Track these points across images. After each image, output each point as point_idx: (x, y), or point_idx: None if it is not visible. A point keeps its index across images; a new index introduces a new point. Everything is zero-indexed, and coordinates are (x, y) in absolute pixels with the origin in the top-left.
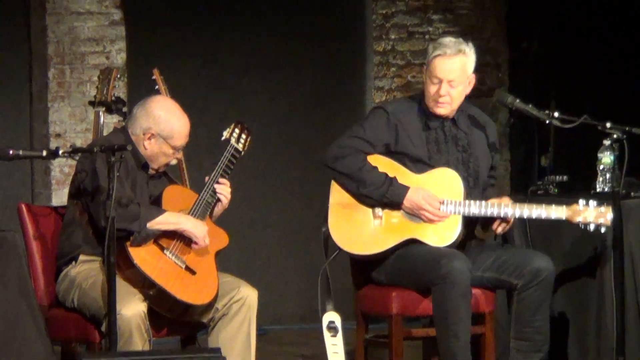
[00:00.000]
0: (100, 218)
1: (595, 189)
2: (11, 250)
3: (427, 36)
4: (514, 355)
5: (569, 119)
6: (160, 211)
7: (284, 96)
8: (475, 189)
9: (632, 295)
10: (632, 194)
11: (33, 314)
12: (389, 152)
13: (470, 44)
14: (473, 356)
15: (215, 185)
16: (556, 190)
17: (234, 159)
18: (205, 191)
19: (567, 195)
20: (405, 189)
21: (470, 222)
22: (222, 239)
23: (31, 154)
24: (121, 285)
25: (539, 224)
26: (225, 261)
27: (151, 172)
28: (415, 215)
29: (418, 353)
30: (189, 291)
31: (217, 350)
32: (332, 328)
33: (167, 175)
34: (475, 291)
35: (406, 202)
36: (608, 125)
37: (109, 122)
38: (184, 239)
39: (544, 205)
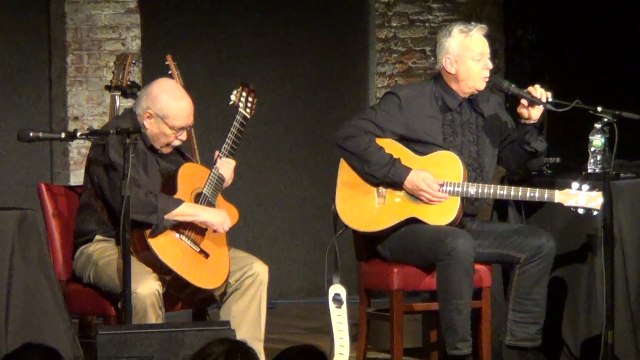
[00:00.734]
0: (115, 199)
1: (586, 170)
2: (32, 228)
3: (427, 24)
4: (511, 327)
5: (562, 103)
6: (178, 202)
7: (292, 80)
8: (478, 170)
9: (621, 272)
10: (621, 175)
11: (52, 289)
12: (400, 138)
13: None
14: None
15: (218, 164)
16: (549, 171)
17: (243, 128)
18: (215, 167)
19: (559, 176)
20: (407, 170)
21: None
22: (233, 216)
23: (50, 136)
24: (136, 265)
25: (533, 205)
26: (235, 238)
27: (160, 152)
28: (415, 196)
29: (418, 326)
30: (202, 275)
31: (227, 323)
32: (337, 300)
33: (181, 152)
34: (477, 267)
35: (407, 183)
36: (599, 109)
37: (125, 105)
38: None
39: (537, 189)
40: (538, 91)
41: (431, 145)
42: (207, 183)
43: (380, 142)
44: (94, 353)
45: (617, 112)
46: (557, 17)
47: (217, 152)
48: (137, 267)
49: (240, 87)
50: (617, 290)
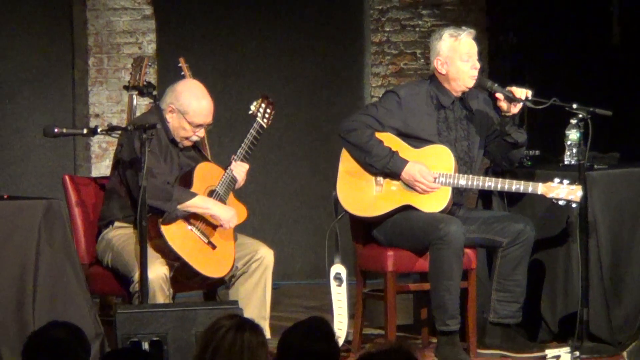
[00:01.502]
0: (135, 187)
1: (563, 161)
2: (57, 216)
3: (417, 29)
4: (495, 306)
5: (541, 100)
6: (192, 194)
7: (294, 80)
8: (468, 163)
9: (595, 255)
10: (595, 166)
11: (75, 271)
12: (398, 133)
13: None
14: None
15: (232, 166)
16: (529, 163)
17: (259, 136)
18: (229, 169)
19: (539, 167)
20: (405, 162)
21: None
22: (241, 214)
23: (73, 131)
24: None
25: (515, 195)
26: (244, 224)
27: (180, 145)
28: (410, 186)
29: (409, 305)
30: (208, 265)
31: (235, 302)
32: (338, 278)
33: (199, 150)
34: (465, 250)
35: (404, 174)
36: (574, 106)
37: (141, 103)
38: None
39: (522, 181)
40: (518, 91)
41: (426, 140)
42: (221, 182)
43: (379, 135)
44: (113, 330)
45: (590, 109)
46: (535, 23)
47: (232, 156)
48: (148, 252)
49: (260, 99)
50: (591, 271)
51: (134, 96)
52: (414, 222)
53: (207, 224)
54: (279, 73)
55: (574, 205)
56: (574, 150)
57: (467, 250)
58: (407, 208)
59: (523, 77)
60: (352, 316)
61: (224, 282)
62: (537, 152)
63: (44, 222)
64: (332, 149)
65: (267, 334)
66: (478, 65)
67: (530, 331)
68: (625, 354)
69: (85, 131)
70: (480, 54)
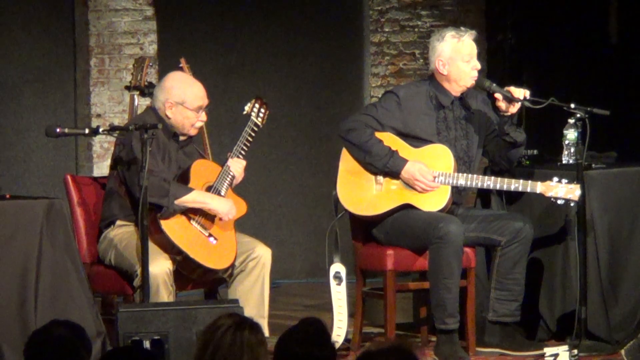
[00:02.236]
0: (134, 186)
1: (561, 161)
2: (58, 215)
3: (416, 29)
4: (493, 304)
5: (539, 100)
6: (188, 190)
7: (294, 80)
8: (467, 163)
9: (593, 254)
10: (593, 165)
11: (77, 270)
12: (398, 133)
13: None
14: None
15: (229, 162)
16: (528, 162)
17: (253, 133)
18: (227, 165)
19: (537, 167)
20: (404, 161)
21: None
22: (241, 208)
23: (75, 131)
24: (149, 246)
25: (513, 193)
26: (243, 222)
27: (182, 138)
28: (410, 185)
29: (409, 303)
30: (210, 257)
31: (236, 301)
32: (337, 277)
33: (196, 148)
34: (465, 249)
35: (404, 173)
36: (572, 105)
37: (142, 104)
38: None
39: (521, 180)
40: (516, 91)
41: (426, 140)
42: (218, 178)
43: (379, 135)
44: (115, 329)
45: (588, 109)
46: (533, 23)
47: (228, 153)
48: (150, 248)
49: (254, 100)
50: (589, 269)
51: (136, 96)
52: (413, 221)
53: (207, 217)
54: (279, 73)
55: (572, 204)
56: (572, 150)
57: (467, 249)
58: (407, 207)
59: (521, 77)
60: (351, 315)
61: (225, 281)
62: (535, 152)
63: (46, 222)
64: (332, 148)
65: (266, 332)
66: (479, 66)
67: (529, 330)
68: (623, 352)
69: (87, 131)
70: (479, 54)
